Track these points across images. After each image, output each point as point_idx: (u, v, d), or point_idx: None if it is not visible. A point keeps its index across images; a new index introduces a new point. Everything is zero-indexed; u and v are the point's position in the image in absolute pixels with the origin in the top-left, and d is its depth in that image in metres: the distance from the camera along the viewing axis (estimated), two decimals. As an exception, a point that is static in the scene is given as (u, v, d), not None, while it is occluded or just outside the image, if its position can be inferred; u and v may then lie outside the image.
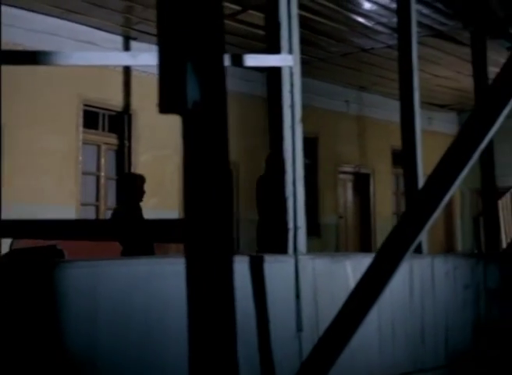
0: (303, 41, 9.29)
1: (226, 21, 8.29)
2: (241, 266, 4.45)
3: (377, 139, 12.78)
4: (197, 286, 2.15)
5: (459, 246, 14.55)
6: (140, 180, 6.93)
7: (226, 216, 2.17)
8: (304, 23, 8.63)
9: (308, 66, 10.83)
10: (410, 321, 6.10)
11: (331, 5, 8.05)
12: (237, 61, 4.61)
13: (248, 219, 9.10)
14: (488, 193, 8.29)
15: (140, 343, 3.64)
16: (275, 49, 4.90)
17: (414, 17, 6.73)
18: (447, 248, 14.70)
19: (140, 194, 6.83)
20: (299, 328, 4.77)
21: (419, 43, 9.66)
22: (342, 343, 4.36)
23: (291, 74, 4.89)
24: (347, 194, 12.65)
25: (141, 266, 3.82)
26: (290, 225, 4.83)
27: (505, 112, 3.87)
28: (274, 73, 4.92)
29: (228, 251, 2.18)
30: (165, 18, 2.13)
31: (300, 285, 4.77)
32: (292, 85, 4.90)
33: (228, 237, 2.17)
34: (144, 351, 3.64)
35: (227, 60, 4.38)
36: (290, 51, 4.90)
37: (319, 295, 5.03)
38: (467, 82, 12.06)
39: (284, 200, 4.84)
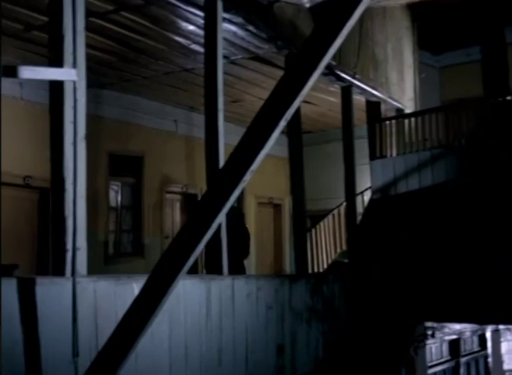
0: (122, 58, 9.27)
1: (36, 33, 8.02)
2: (8, 289, 4.21)
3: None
4: None
5: (287, 268, 14.83)
6: None
7: None
8: (121, 40, 8.56)
9: (133, 84, 10.74)
10: (207, 342, 6.06)
11: (146, 23, 7.96)
12: (11, 72, 4.38)
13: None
14: (297, 216, 8.46)
15: None
16: (57, 62, 4.72)
17: (221, 39, 6.78)
18: (276, 269, 14.96)
19: None
20: (75, 353, 4.58)
21: (239, 65, 9.85)
22: (114, 365, 4.23)
23: (74, 89, 4.72)
24: (175, 214, 12.56)
25: None
26: (69, 246, 4.65)
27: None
28: (56, 87, 4.74)
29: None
30: None
31: (77, 308, 4.59)
32: (75, 100, 4.73)
33: None
34: None
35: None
36: (74, 66, 4.73)
37: (101, 318, 4.87)
38: (304, 107, 12.42)
39: (63, 219, 4.66)
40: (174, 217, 12.52)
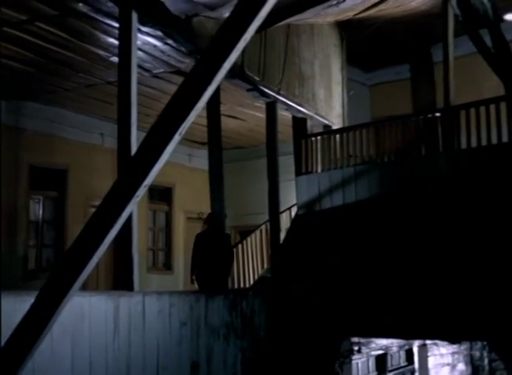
0: (42, 70, 9.09)
1: None
2: None
3: (134, 174, 12.64)
4: None
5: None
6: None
7: None
8: (39, 51, 8.40)
9: (58, 97, 10.55)
10: (114, 359, 5.93)
11: (64, 35, 7.84)
12: None
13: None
14: (216, 230, 8.41)
15: None
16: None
17: (135, 51, 6.72)
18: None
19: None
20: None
21: (163, 79, 9.78)
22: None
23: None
24: (100, 229, 12.33)
25: None
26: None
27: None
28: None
29: None
30: None
31: (-33, 326, 4.43)
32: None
33: None
34: None
35: None
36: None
37: (-2, 335, 4.71)
38: (225, 121, 12.40)
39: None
40: (99, 232, 12.29)
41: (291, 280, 10.30)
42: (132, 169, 4.07)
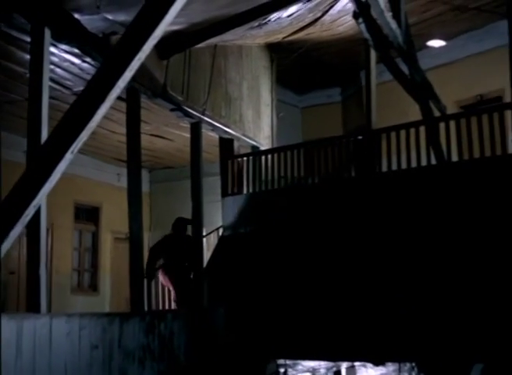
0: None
1: None
2: None
3: (58, 193, 12.38)
4: None
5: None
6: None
7: None
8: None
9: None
10: (16, 384, 5.75)
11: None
12: None
13: None
14: (134, 250, 8.28)
15: None
16: None
17: (47, 69, 6.61)
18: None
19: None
20: None
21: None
22: None
23: None
24: (22, 249, 12.05)
25: None
26: None
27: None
28: None
29: None
30: None
31: None
32: None
33: None
34: None
35: None
36: None
37: None
38: (152, 141, 12.30)
39: None
40: (21, 252, 12.02)
41: (214, 302, 10.22)
42: (20, 187, 3.96)
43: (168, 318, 8.49)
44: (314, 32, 11.70)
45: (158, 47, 8.29)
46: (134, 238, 8.26)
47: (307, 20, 10.82)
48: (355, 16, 5.91)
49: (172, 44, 8.21)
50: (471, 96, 12.21)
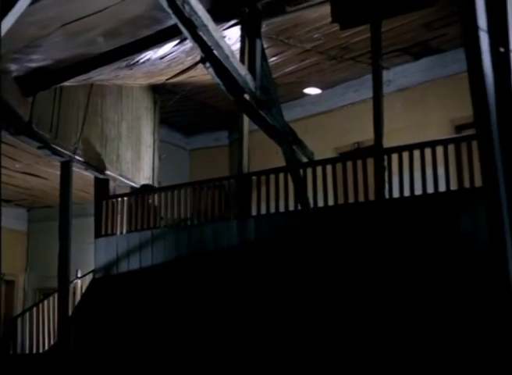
0: None
1: None
2: None
3: None
4: None
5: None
6: None
7: None
8: None
9: None
10: None
11: None
12: None
13: None
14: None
15: None
16: None
17: None
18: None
19: None
20: None
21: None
22: None
23: None
24: None
25: None
26: None
27: None
28: None
29: None
30: None
31: None
32: None
33: None
34: None
35: None
36: None
37: None
38: (26, 179, 11.93)
39: None
40: None
41: (83, 347, 9.90)
42: None
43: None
44: (196, 75, 11.74)
45: (21, 83, 8.12)
46: None
47: (187, 63, 10.86)
48: (202, 60, 5.94)
49: (36, 81, 8.03)
50: (350, 143, 12.49)
